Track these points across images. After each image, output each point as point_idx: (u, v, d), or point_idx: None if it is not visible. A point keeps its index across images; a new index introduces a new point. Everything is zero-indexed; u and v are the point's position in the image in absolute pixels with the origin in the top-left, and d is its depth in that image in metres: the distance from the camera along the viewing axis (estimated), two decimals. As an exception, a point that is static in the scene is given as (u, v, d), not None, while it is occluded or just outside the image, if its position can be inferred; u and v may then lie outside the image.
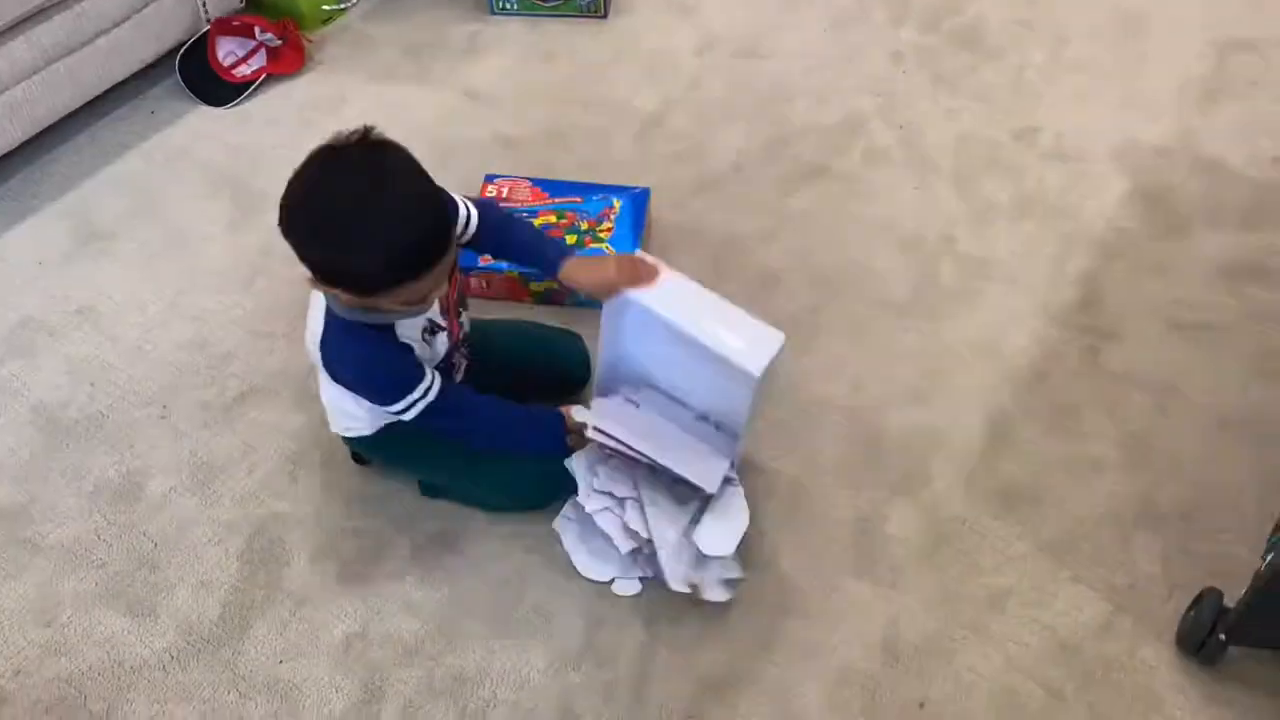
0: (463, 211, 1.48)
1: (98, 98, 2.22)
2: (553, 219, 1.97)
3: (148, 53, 2.26)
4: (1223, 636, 1.45)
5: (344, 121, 2.45)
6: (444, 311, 1.49)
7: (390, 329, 1.41)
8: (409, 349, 1.43)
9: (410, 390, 1.43)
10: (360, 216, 1.25)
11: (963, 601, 1.57)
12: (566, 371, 1.74)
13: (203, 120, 2.29)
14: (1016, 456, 1.73)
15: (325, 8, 2.49)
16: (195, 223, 2.08)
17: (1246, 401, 1.78)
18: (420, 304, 1.36)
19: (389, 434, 1.55)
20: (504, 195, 2.01)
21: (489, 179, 2.04)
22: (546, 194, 2.01)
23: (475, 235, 1.51)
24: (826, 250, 2.03)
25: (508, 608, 1.57)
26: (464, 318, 1.57)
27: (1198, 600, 1.50)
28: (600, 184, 2.04)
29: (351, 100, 2.31)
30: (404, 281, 1.29)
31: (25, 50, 2.03)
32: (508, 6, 2.52)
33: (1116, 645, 1.53)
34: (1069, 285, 1.97)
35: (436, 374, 1.46)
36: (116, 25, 2.16)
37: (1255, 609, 1.40)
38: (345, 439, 1.63)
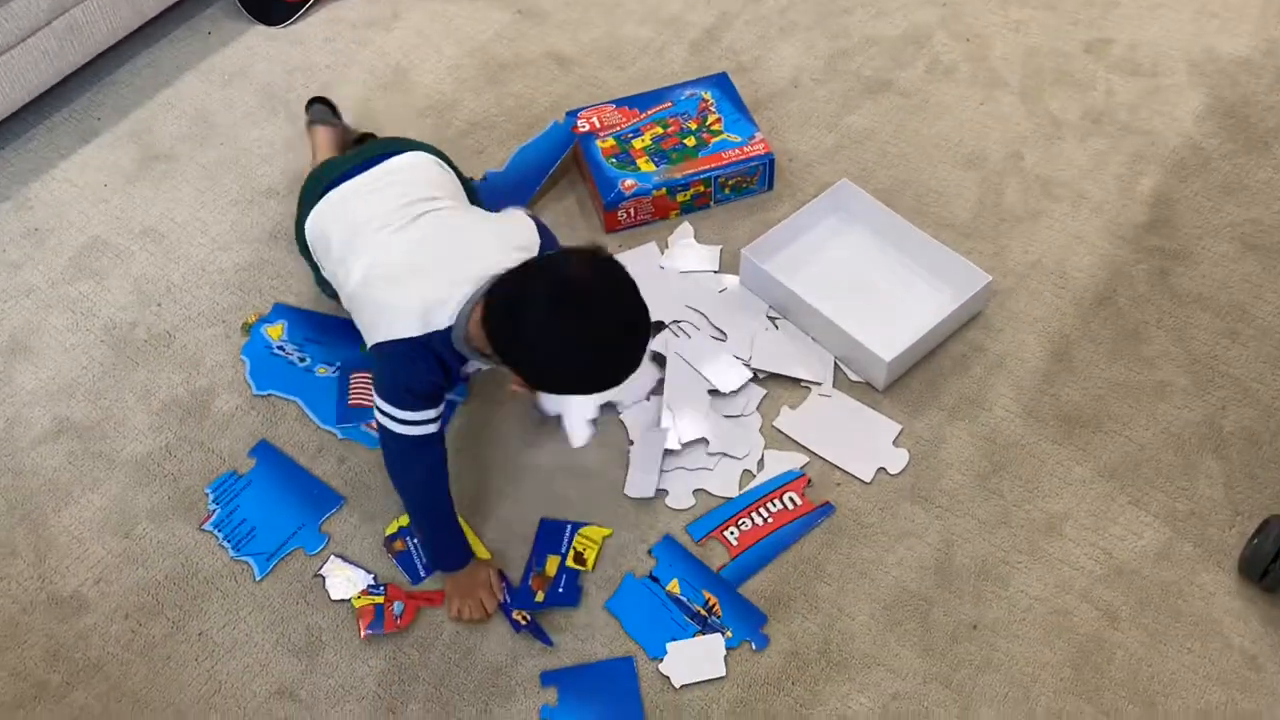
0: (535, 239, 1.52)
1: (156, 18, 2.22)
2: (659, 130, 1.94)
3: (202, -29, 2.25)
4: (1286, 563, 1.43)
5: (397, 40, 2.39)
6: None
7: (460, 362, 1.45)
8: (444, 389, 1.45)
9: (420, 409, 1.42)
10: (599, 352, 1.32)
11: (1019, 525, 1.57)
12: None
13: (258, 40, 2.28)
14: (1078, 380, 1.70)
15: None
16: (253, 144, 2.09)
17: (1322, 325, 1.73)
18: None
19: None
20: (596, 125, 1.95)
21: (571, 116, 1.98)
22: (636, 110, 1.98)
23: None
24: (888, 168, 1.98)
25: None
26: None
27: (1262, 527, 1.48)
28: (674, 85, 2.03)
29: (404, 17, 2.29)
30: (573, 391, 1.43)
31: (83, -30, 2.04)
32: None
33: (1175, 571, 1.52)
34: (1139, 205, 1.91)
35: (442, 437, 1.47)
36: (171, -57, 2.15)
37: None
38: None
